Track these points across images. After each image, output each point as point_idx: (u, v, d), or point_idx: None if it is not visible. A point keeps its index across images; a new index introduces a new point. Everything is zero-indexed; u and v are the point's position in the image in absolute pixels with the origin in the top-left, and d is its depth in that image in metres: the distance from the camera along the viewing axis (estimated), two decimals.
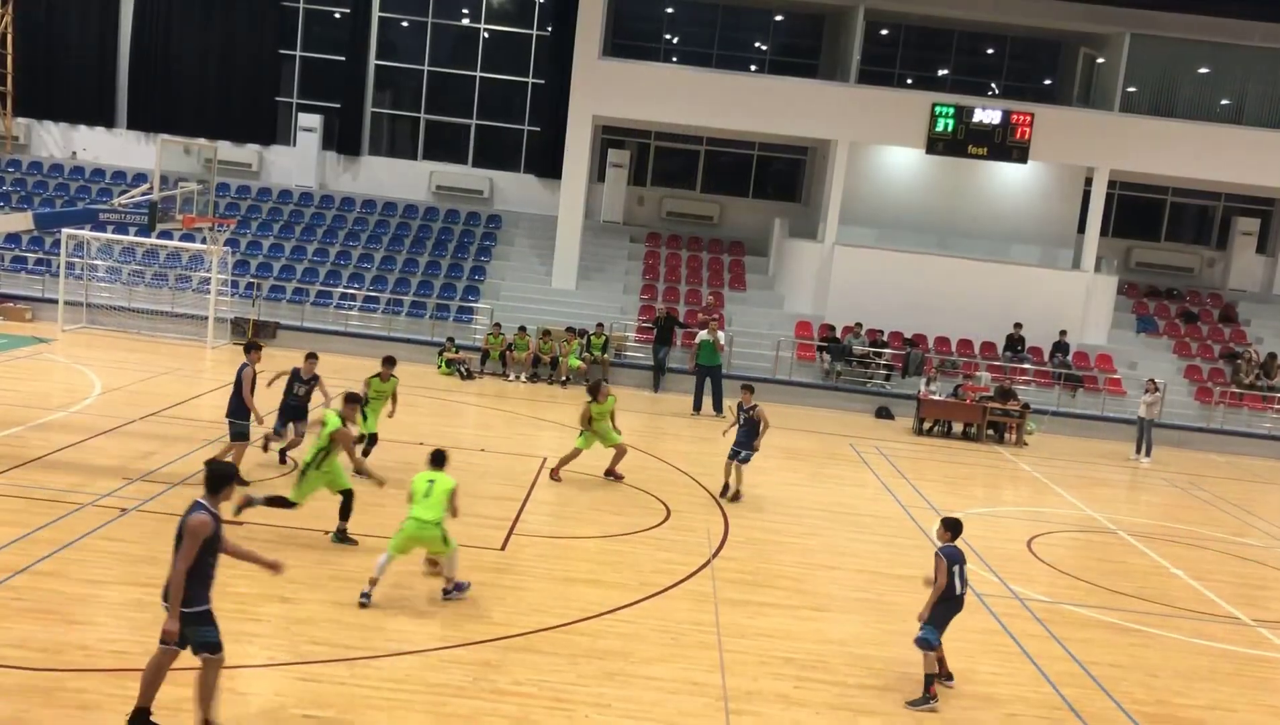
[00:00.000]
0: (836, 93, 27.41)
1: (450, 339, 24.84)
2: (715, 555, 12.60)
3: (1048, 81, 30.61)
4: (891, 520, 15.40)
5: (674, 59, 30.72)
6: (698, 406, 22.65)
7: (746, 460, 15.30)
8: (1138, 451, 22.73)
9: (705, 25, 31.36)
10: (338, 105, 31.13)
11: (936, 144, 26.84)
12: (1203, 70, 28.04)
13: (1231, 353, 27.61)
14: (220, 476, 7.21)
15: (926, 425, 23.37)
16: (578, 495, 14.79)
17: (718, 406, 22.37)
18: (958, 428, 23.46)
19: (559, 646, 9.41)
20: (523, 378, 24.44)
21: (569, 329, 25.35)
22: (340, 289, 26.92)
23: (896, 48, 30.47)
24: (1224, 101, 28.04)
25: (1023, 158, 26.81)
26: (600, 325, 25.51)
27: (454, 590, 10.19)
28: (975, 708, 9.10)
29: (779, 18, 31.50)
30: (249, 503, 11.45)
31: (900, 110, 27.04)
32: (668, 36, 31.48)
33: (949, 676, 9.48)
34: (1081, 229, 27.72)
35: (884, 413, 24.68)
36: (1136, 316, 29.16)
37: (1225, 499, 19.63)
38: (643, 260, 29.53)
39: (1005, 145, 26.64)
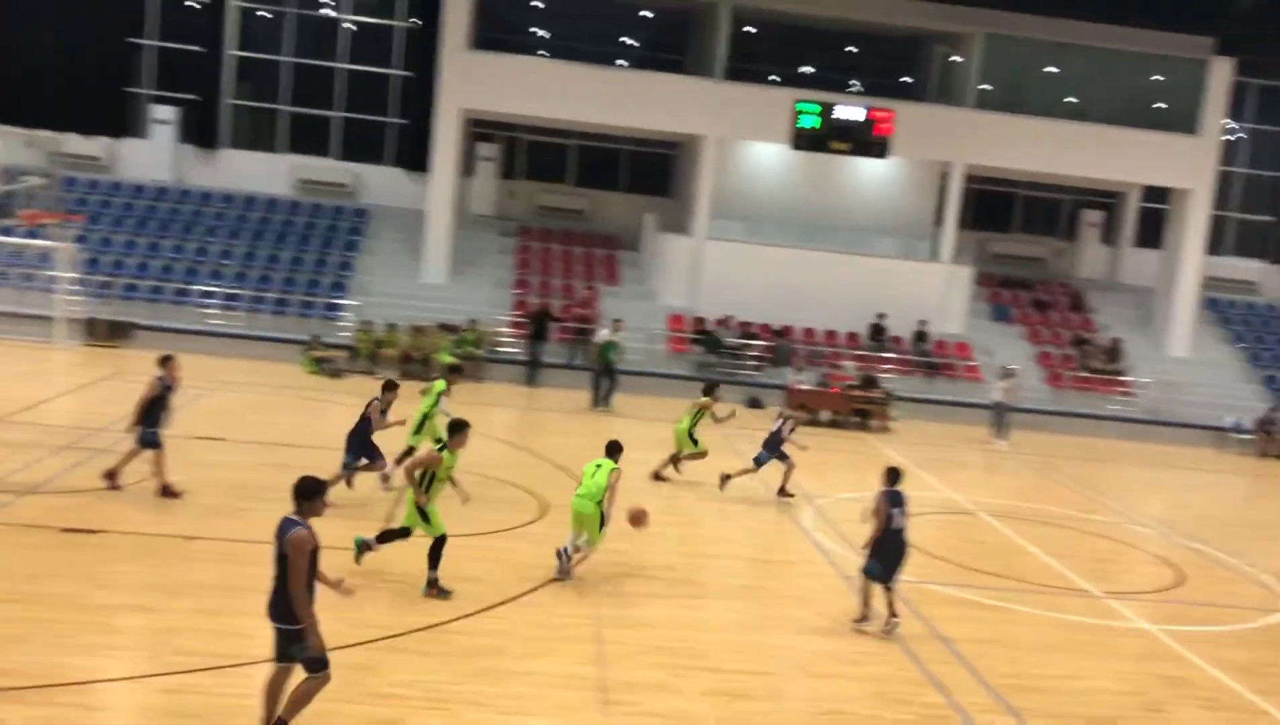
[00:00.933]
0: (704, 89, 27.73)
1: (316, 337, 24.26)
2: (593, 548, 12.59)
3: (907, 79, 31.58)
4: (764, 508, 15.68)
5: (543, 52, 30.61)
6: (596, 402, 22.91)
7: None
8: (993, 434, 23.70)
9: (573, 19, 31.34)
10: (195, 97, 30.03)
11: (801, 140, 27.41)
12: (1051, 70, 29.33)
13: (1080, 339, 28.99)
14: (312, 491, 7.23)
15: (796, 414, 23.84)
16: (453, 493, 14.61)
17: (609, 401, 22.73)
18: (825, 416, 24.04)
19: (435, 646, 9.30)
20: (394, 375, 23.99)
21: (441, 325, 25.04)
22: (200, 286, 26.01)
23: (762, 45, 30.99)
24: (1071, 100, 29.37)
25: (883, 153, 27.60)
26: (473, 321, 25.28)
27: (565, 558, 11.21)
28: (847, 687, 9.34)
29: (647, 13, 31.69)
30: (367, 547, 10.78)
31: (766, 106, 27.52)
32: (536, 30, 31.33)
33: (893, 614, 10.54)
34: (939, 222, 28.71)
35: (755, 403, 25.11)
36: (992, 305, 30.35)
37: (1076, 478, 20.62)
38: (515, 254, 29.37)
39: (867, 141, 27.37)
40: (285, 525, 7.16)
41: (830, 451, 21.06)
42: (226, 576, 10.17)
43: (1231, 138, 32.22)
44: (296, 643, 7.07)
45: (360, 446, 13.45)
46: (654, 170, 32.46)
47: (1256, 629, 12.33)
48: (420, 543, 10.66)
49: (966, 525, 16.09)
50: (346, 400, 21.24)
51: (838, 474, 18.92)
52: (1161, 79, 29.12)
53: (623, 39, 31.79)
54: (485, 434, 19.18)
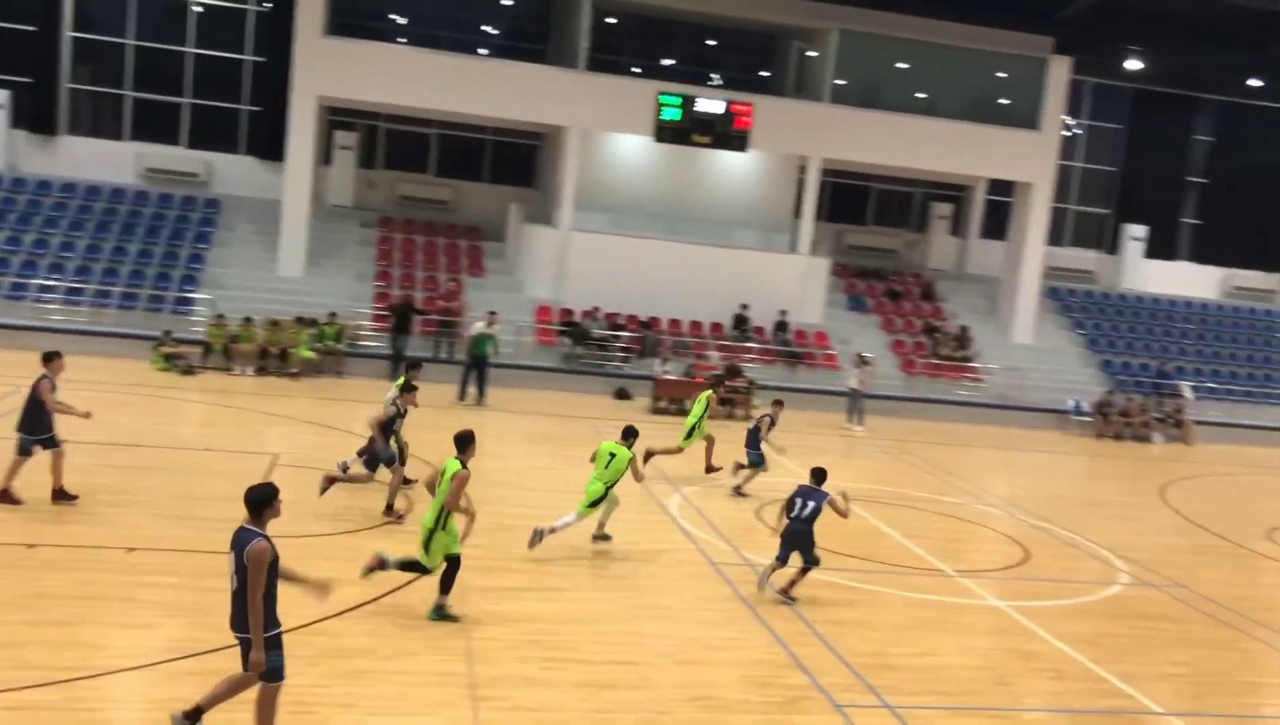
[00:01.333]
0: (567, 79, 27.68)
1: (167, 332, 23.30)
2: (461, 544, 12.48)
3: (765, 73, 32.15)
4: (632, 497, 15.76)
5: (402, 40, 30.05)
6: (463, 396, 22.53)
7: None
8: (850, 420, 24.42)
9: (432, 6, 30.86)
10: (29, 80, 28.43)
11: (664, 131, 27.65)
12: (902, 66, 30.27)
13: (931, 327, 30.08)
14: (264, 499, 7.20)
15: (662, 404, 24.11)
16: (315, 490, 14.28)
17: (482, 396, 22.49)
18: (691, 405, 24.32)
19: (299, 648, 9.06)
20: (250, 371, 23.28)
21: (299, 319, 24.36)
22: (38, 280, 24.68)
23: (624, 36, 31.10)
24: (921, 95, 30.39)
25: (743, 146, 28.07)
26: (333, 314, 24.69)
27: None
28: (715, 673, 9.51)
29: (508, 1, 31.44)
30: (381, 565, 10.15)
31: (629, 98, 27.65)
32: (394, 17, 30.73)
33: (789, 597, 11.48)
34: (798, 214, 29.35)
35: (623, 394, 25.26)
36: (848, 296, 31.22)
37: (929, 461, 21.41)
38: (376, 246, 28.78)
39: (727, 134, 27.80)
40: (243, 536, 7.09)
41: (695, 440, 21.32)
42: (72, 585, 9.71)
43: (1070, 133, 33.85)
44: (267, 649, 7.09)
45: (795, 544, 13.08)
46: (518, 161, 32.26)
47: (1097, 601, 13.05)
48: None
49: (826, 511, 16.49)
50: (200, 398, 20.53)
51: (703, 462, 19.14)
52: (1005, 76, 30.39)
53: (484, 27, 31.45)
54: (345, 430, 18.81)
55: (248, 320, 23.77)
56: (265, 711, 7.28)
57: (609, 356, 26.36)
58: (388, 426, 13.70)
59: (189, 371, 22.53)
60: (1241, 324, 33.82)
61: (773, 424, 17.05)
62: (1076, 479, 23.07)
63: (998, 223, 32.66)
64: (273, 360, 23.49)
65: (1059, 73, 29.65)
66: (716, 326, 28.24)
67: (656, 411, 23.85)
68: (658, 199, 29.51)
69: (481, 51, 30.59)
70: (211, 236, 27.69)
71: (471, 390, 22.62)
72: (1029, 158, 29.80)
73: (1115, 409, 27.66)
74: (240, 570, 7.05)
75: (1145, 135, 34.49)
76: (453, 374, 23.54)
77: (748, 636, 10.48)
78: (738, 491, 16.54)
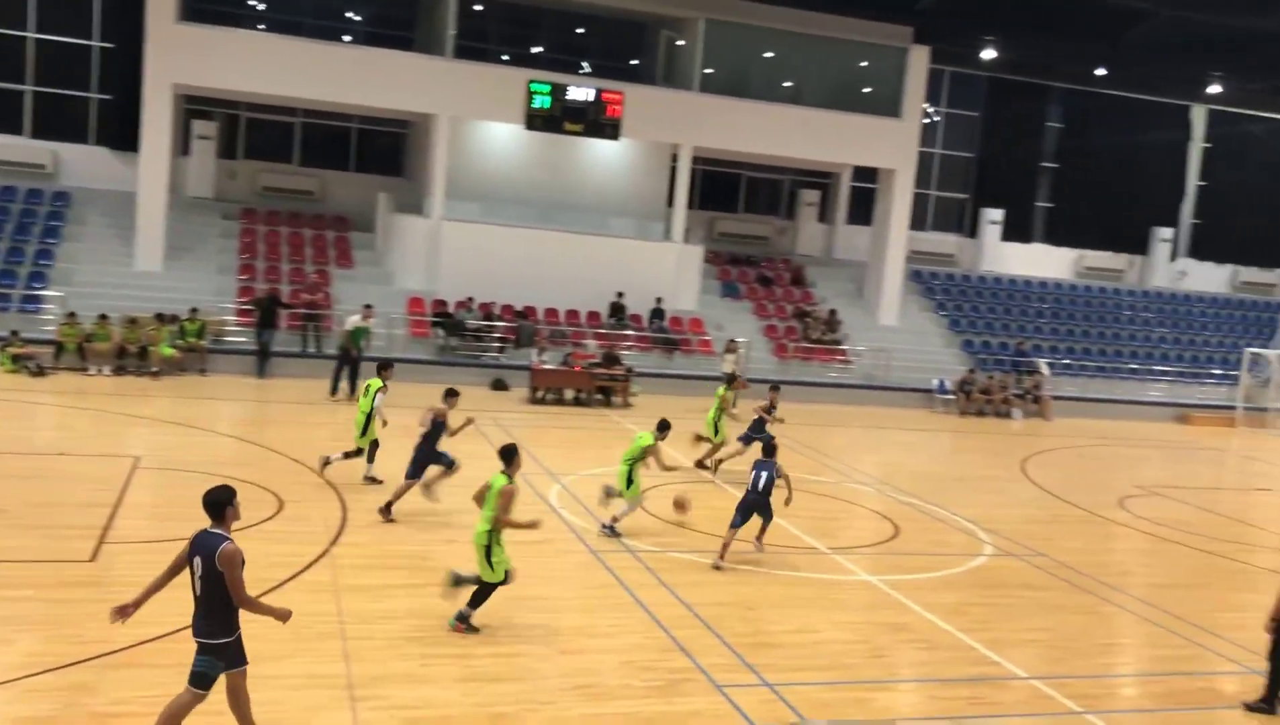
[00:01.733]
0: (434, 66, 27.27)
1: (14, 332, 22.14)
2: (334, 543, 12.26)
3: (635, 62, 32.25)
4: None
5: (261, 26, 29.11)
6: (335, 390, 21.98)
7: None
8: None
9: None
10: None
11: (535, 120, 27.49)
12: (769, 55, 30.74)
13: (802, 312, 30.71)
14: (224, 500, 7.12)
15: (540, 394, 24.03)
16: (180, 494, 13.79)
17: (353, 389, 21.94)
18: (570, 394, 24.34)
19: (165, 658, 8.75)
20: (106, 371, 22.30)
21: (158, 316, 23.43)
22: None
23: (491, 23, 30.77)
24: (787, 84, 30.92)
25: (615, 135, 28.11)
26: (194, 310, 23.84)
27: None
28: (598, 660, 9.53)
29: None
30: (459, 581, 9.97)
31: (499, 86, 27.40)
32: (253, 3, 29.75)
33: (721, 557, 12.51)
34: (671, 202, 29.57)
35: (500, 384, 25.08)
36: (721, 282, 31.62)
37: (802, 442, 21.84)
38: (238, 238, 27.87)
39: (599, 122, 27.80)
40: (209, 540, 7.00)
41: (576, 429, 21.37)
42: None
43: (930, 121, 34.90)
44: (209, 654, 7.07)
45: (428, 457, 13.63)
46: (386, 149, 31.64)
47: (963, 573, 13.55)
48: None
49: (706, 493, 16.73)
50: (54, 400, 19.58)
51: (583, 451, 19.21)
52: (867, 65, 31.14)
53: (348, 14, 30.69)
54: (210, 430, 18.24)
55: (103, 317, 22.76)
56: (172, 718, 7.12)
57: (484, 347, 26.13)
58: (434, 436, 13.75)
59: (40, 372, 21.46)
60: (1093, 303, 35.48)
61: (772, 409, 18.31)
62: (942, 455, 23.87)
63: (863, 209, 33.49)
64: (131, 359, 22.56)
65: (918, 62, 30.53)
66: (593, 315, 28.27)
67: (535, 402, 23.76)
68: (531, 187, 29.34)
69: (346, 39, 29.87)
70: (61, 231, 26.38)
71: (344, 384, 22.09)
72: (891, 145, 30.63)
73: (977, 387, 28.72)
74: (208, 575, 6.98)
75: (1000, 122, 35.83)
76: (319, 368, 23.01)
77: (629, 622, 10.54)
78: (700, 464, 18.00)
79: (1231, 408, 30.75)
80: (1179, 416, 30.66)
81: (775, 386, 19.20)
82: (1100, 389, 31.13)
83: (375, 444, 14.99)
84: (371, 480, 14.97)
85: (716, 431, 18.07)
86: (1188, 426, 30.10)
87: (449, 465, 13.90)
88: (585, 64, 31.42)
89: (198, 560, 7.03)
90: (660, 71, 31.18)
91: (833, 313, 30.50)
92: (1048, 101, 36.45)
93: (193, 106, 28.83)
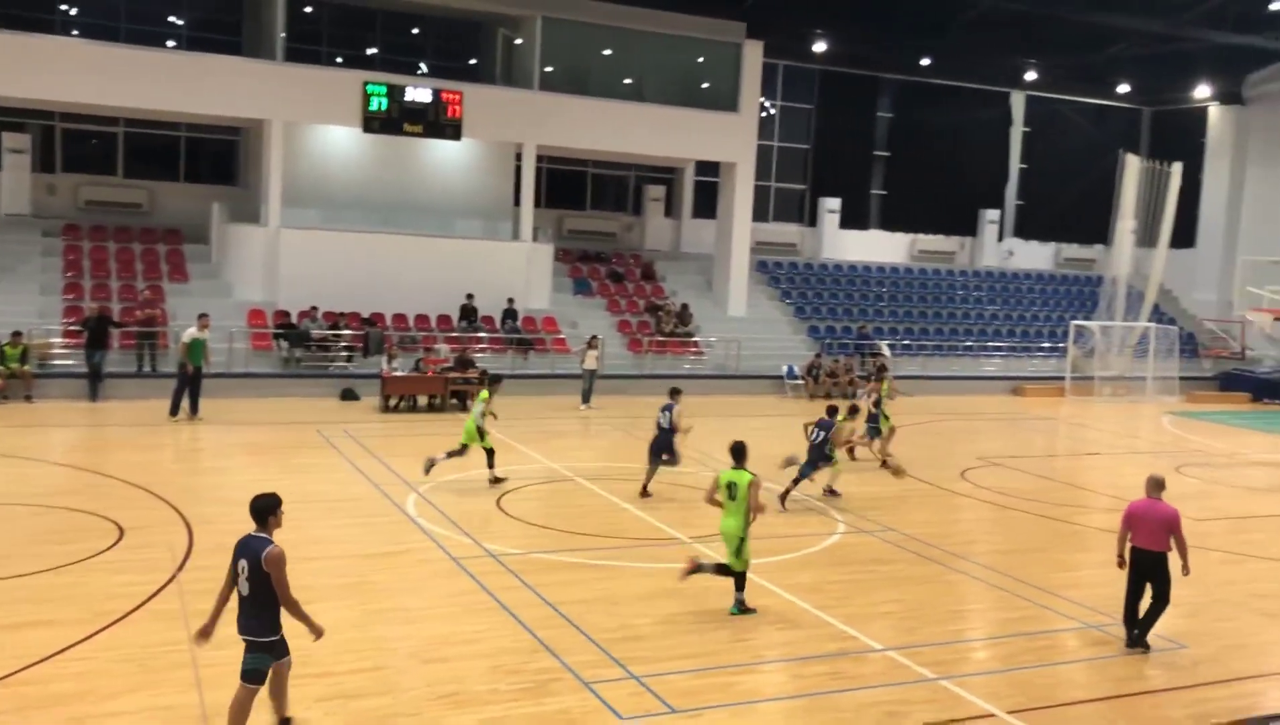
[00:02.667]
0: (264, 70, 26.45)
1: None
2: (181, 568, 11.78)
3: (473, 61, 31.96)
4: (366, 501, 15.41)
5: (74, 32, 27.67)
6: (175, 410, 20.99)
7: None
8: (585, 402, 24.88)
9: None
10: None
11: (373, 122, 26.99)
12: (607, 52, 30.90)
13: (653, 306, 31.02)
14: (269, 507, 7.77)
15: (392, 402, 23.60)
16: (9, 528, 13.04)
17: (195, 408, 21.01)
18: (423, 401, 23.98)
19: (4, 703, 8.27)
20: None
21: None
22: None
23: (323, 25, 30.02)
24: (627, 81, 31.15)
25: (456, 135, 27.82)
26: (17, 333, 22.50)
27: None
28: (463, 667, 9.43)
29: None
30: (698, 568, 11.23)
31: (333, 89, 26.79)
32: (64, 7, 28.25)
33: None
34: (518, 202, 29.44)
35: (349, 394, 24.53)
36: (573, 280, 31.68)
37: None
38: (62, 256, 26.46)
39: (439, 123, 27.48)
40: (255, 544, 7.57)
41: (431, 436, 21.03)
42: None
43: (766, 114, 35.68)
44: (258, 652, 7.57)
45: (663, 449, 16.42)
46: (218, 157, 30.54)
47: (818, 552, 13.94)
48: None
49: (566, 492, 16.77)
50: None
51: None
52: (704, 61, 31.64)
53: (170, 18, 29.43)
54: (40, 459, 17.30)
55: None
56: (239, 713, 7.61)
57: (331, 357, 25.51)
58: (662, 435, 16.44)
59: None
60: (928, 284, 36.95)
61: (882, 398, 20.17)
62: (793, 439, 24.39)
63: (707, 202, 34.03)
64: None
65: (752, 56, 31.19)
66: (444, 318, 27.92)
67: (387, 410, 23.32)
68: (373, 191, 28.78)
69: (170, 44, 28.67)
70: None
71: (185, 404, 21.15)
72: (731, 139, 31.22)
73: (824, 371, 29.57)
74: (255, 576, 7.49)
75: (833, 114, 36.91)
76: (158, 388, 22.06)
77: (493, 627, 10.47)
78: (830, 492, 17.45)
79: (1060, 378, 32.49)
80: (1013, 389, 32.25)
81: (881, 372, 21.28)
82: (938, 367, 32.46)
83: (491, 451, 16.56)
84: (496, 480, 16.50)
85: (886, 418, 19.61)
86: (1021, 398, 31.67)
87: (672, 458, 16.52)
88: (423, 64, 30.98)
89: (244, 563, 7.56)
90: (499, 70, 31.00)
91: (684, 306, 30.90)
92: (878, 92, 37.74)
93: (2, 119, 27.20)
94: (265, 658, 7.65)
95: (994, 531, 15.99)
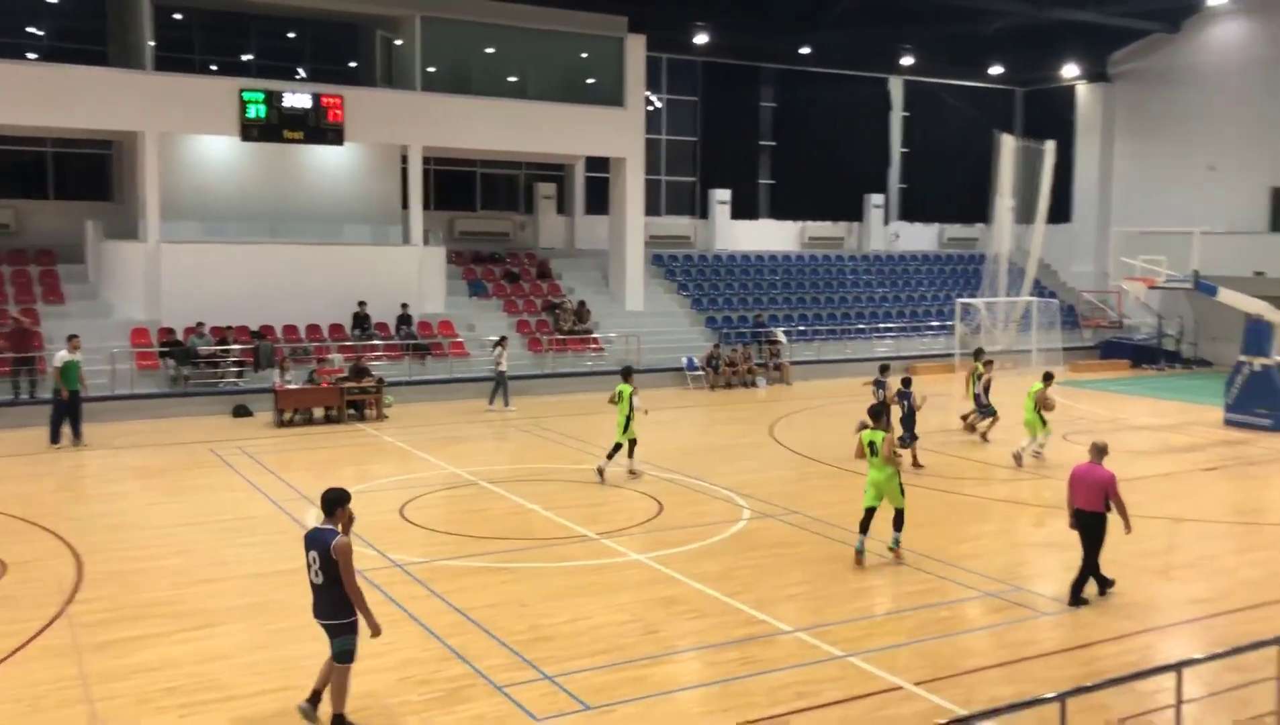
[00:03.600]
0: (134, 81, 25.58)
1: None
2: (70, 601, 11.35)
3: (353, 64, 31.38)
4: (265, 518, 15.06)
5: None
6: (56, 437, 20.12)
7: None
8: (502, 403, 24.83)
9: None
10: None
11: (251, 130, 26.32)
12: (490, 50, 30.62)
13: (551, 304, 30.91)
14: (338, 500, 8.28)
15: (287, 416, 23.06)
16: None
17: (77, 434, 20.19)
18: (319, 413, 23.50)
19: None
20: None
21: None
22: None
23: (195, 33, 29.13)
24: (512, 79, 30.92)
25: (339, 140, 27.30)
26: None
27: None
28: (372, 681, 9.28)
29: (53, 0, 28.45)
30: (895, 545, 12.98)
31: (207, 97, 26.05)
32: None
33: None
34: (406, 205, 29.03)
35: (242, 411, 23.90)
36: (467, 282, 31.36)
37: (564, 433, 22.07)
38: None
39: (320, 128, 26.91)
40: (322, 535, 8.16)
41: (329, 448, 20.68)
42: None
43: (653, 108, 35.80)
44: (343, 634, 8.18)
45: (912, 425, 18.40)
46: (89, 173, 29.34)
47: (725, 539, 14.08)
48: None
49: (471, 497, 16.61)
50: None
51: (340, 469, 18.61)
52: (588, 56, 31.61)
53: (27, 29, 28.20)
54: None
55: None
56: (338, 691, 8.23)
57: (221, 373, 24.82)
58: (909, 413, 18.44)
59: None
60: (819, 271, 37.56)
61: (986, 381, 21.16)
62: (697, 429, 24.68)
63: (599, 198, 34.01)
64: None
65: (636, 50, 31.27)
66: (336, 327, 27.39)
67: (282, 424, 22.80)
68: (257, 200, 28.07)
69: (31, 56, 27.49)
70: None
71: (66, 430, 20.32)
72: (619, 134, 31.25)
73: (723, 360, 29.86)
74: (325, 566, 8.09)
75: (719, 106, 37.21)
76: (37, 416, 21.17)
77: (401, 638, 10.32)
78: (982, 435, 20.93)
79: (950, 356, 33.36)
80: (906, 368, 32.99)
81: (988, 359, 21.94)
82: (833, 351, 33.03)
83: (634, 442, 17.48)
84: (633, 473, 17.41)
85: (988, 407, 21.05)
86: (914, 376, 32.38)
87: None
88: (301, 70, 30.30)
89: (314, 553, 8.15)
90: (380, 72, 30.49)
91: (581, 303, 30.85)
92: (760, 82, 38.12)
93: None
94: (349, 637, 8.18)
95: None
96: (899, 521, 13.06)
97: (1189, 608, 11.53)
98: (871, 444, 12.93)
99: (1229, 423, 23.11)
